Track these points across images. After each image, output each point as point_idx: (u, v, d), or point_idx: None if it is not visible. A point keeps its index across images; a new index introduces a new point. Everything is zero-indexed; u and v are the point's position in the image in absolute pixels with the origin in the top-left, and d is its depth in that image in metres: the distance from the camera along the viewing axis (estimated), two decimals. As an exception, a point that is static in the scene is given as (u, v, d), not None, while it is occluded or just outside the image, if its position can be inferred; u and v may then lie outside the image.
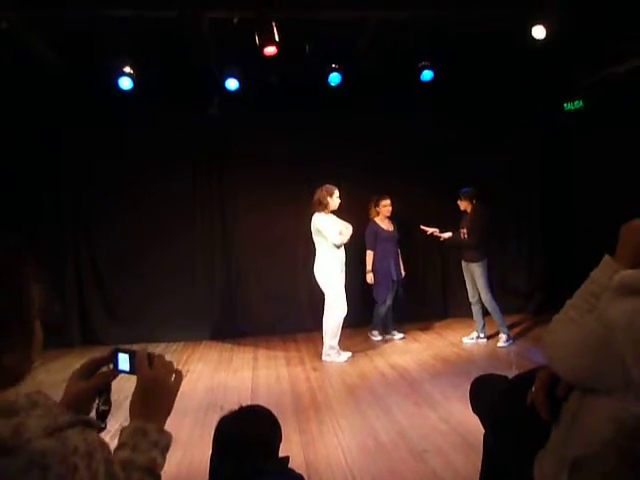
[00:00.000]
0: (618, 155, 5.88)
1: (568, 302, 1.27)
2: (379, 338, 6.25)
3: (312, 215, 5.46)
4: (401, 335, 6.28)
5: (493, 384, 1.81)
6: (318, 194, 5.46)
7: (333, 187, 5.49)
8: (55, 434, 0.67)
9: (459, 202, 5.77)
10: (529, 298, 7.14)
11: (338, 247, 5.43)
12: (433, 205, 6.69)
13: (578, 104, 6.39)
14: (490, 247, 5.78)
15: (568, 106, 6.49)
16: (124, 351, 1.11)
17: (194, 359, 5.81)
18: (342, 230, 5.48)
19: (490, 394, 1.72)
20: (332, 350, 5.53)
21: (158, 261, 6.50)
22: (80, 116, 6.24)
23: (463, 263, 5.82)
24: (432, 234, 5.85)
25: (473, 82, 6.30)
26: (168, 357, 1.12)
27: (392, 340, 6.22)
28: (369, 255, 6.06)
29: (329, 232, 5.37)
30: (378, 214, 6.16)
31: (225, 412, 1.85)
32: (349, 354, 5.57)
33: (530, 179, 7.09)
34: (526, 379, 1.42)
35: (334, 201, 5.46)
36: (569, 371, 1.17)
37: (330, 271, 5.43)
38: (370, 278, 6.02)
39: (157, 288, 6.48)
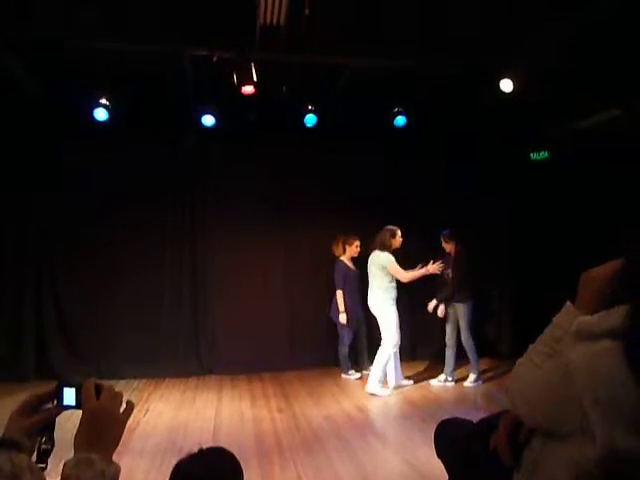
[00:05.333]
0: (584, 205, 6.13)
1: (531, 346, 1.30)
2: (357, 376, 6.18)
3: (371, 252, 5.69)
4: (366, 372, 6.20)
5: (458, 428, 1.81)
6: (381, 235, 5.67)
7: (396, 228, 5.70)
8: None
9: (444, 245, 5.86)
10: (498, 342, 7.21)
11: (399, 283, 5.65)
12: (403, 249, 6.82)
13: (543, 154, 6.68)
14: (475, 288, 5.84)
15: (534, 156, 6.77)
16: (70, 385, 1.05)
17: (155, 397, 5.62)
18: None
19: (454, 438, 1.71)
20: (379, 383, 5.55)
21: (123, 296, 6.32)
22: (50, 146, 6.17)
23: (448, 303, 5.84)
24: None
25: (443, 129, 6.53)
26: (127, 395, 1.08)
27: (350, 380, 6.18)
28: (339, 295, 6.07)
29: (399, 270, 5.56)
30: (344, 252, 6.20)
31: (184, 454, 1.77)
32: (389, 391, 5.57)
33: (499, 225, 7.24)
34: (489, 423, 1.43)
35: (396, 241, 5.69)
36: (529, 415, 1.19)
37: (387, 305, 5.57)
38: (343, 318, 6.04)
39: (120, 323, 6.28)
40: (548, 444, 1.13)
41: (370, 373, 5.65)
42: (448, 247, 5.85)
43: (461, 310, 5.73)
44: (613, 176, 5.73)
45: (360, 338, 6.31)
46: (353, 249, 6.22)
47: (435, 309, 5.80)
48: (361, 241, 6.22)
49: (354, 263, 6.28)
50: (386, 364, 5.57)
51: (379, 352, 5.59)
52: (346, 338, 6.14)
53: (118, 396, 1.04)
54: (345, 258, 6.23)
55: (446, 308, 5.81)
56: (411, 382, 5.87)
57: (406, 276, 5.60)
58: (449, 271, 5.76)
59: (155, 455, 3.93)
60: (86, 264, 6.32)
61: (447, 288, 5.75)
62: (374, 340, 6.16)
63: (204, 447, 1.75)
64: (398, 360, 5.79)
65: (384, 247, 5.66)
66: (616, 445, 0.95)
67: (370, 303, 5.72)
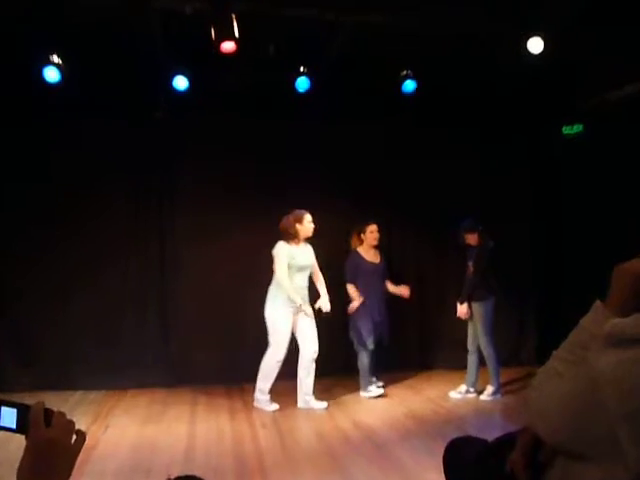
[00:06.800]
0: (610, 192, 6.15)
1: (554, 353, 1.31)
2: (380, 392, 5.98)
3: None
4: (380, 383, 6.15)
5: (470, 448, 1.83)
6: (284, 221, 5.52)
7: (303, 212, 5.54)
8: None
9: (466, 237, 5.85)
10: (520, 349, 7.26)
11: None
12: (411, 234, 6.84)
13: (577, 128, 6.69)
14: (496, 284, 5.84)
15: (567, 130, 6.78)
16: (10, 404, 1.06)
17: (118, 412, 5.60)
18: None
19: (466, 459, 1.73)
20: (262, 396, 5.55)
21: (81, 296, 6.29)
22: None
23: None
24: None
25: (461, 99, 6.49)
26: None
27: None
28: (350, 288, 5.98)
29: (281, 267, 5.42)
30: (362, 243, 6.13)
31: (152, 477, 1.75)
32: (276, 406, 5.56)
33: (519, 216, 7.21)
34: (506, 443, 1.44)
35: (305, 228, 5.52)
36: (552, 433, 1.20)
37: (274, 309, 5.48)
38: (352, 307, 5.91)
39: (77, 327, 6.27)
40: (572, 466, 1.14)
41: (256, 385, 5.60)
42: (471, 239, 5.84)
43: (479, 310, 5.76)
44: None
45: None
46: (369, 236, 6.05)
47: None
48: (379, 226, 6.10)
49: (380, 255, 6.17)
50: (269, 376, 5.48)
51: (263, 360, 5.53)
52: (359, 341, 5.94)
53: (70, 424, 1.06)
54: (362, 249, 6.10)
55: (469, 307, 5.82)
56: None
57: (285, 279, 5.41)
58: (470, 263, 5.80)
59: (118, 478, 3.93)
60: (37, 260, 6.26)
61: (467, 285, 5.80)
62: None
63: (172, 477, 1.69)
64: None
65: (288, 236, 5.49)
66: None
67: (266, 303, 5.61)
